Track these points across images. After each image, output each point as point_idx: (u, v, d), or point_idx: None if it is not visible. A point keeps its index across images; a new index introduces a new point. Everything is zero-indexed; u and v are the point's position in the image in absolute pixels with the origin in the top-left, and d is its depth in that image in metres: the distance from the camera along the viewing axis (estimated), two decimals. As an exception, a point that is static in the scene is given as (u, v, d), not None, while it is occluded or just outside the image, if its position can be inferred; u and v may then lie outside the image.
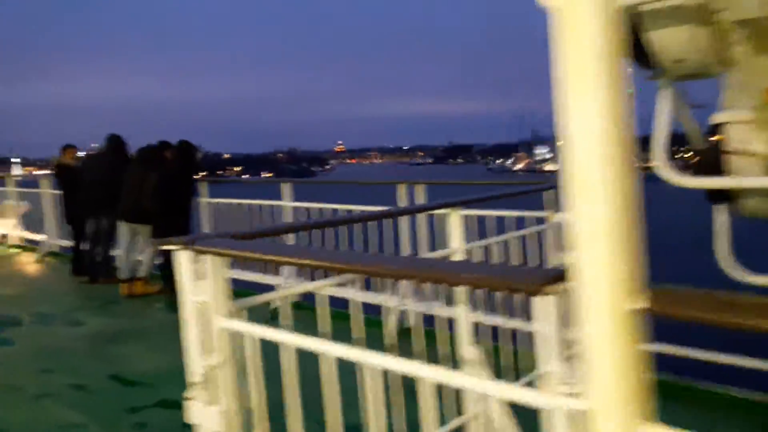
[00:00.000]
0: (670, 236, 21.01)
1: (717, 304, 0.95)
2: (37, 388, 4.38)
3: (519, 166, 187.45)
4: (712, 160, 2.38)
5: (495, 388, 1.58)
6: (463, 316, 3.00)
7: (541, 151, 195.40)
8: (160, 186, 6.54)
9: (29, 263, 9.45)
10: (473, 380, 1.98)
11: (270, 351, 1.96)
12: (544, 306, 1.86)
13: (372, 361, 1.63)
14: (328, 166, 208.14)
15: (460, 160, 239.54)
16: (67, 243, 9.23)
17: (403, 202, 5.16)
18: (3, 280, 8.40)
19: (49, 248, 9.59)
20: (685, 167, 2.52)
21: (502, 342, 3.48)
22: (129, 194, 6.95)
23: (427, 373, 1.55)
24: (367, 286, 5.19)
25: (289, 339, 1.82)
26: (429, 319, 5.09)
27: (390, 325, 4.99)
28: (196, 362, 2.01)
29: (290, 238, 5.46)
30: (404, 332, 5.14)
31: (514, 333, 3.50)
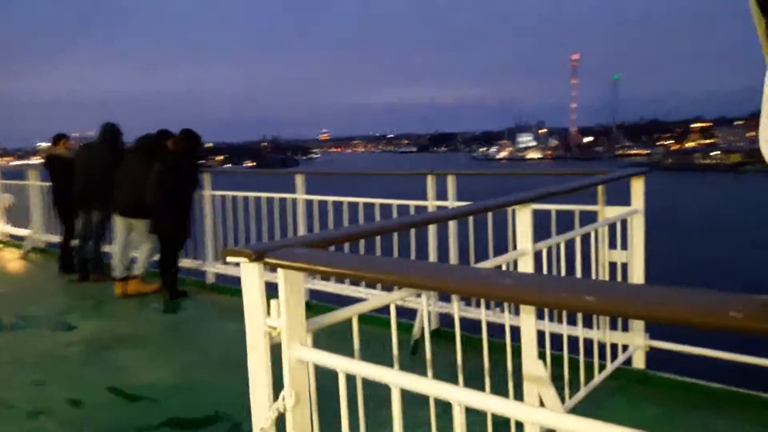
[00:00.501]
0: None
1: None
2: (31, 404, 3.95)
3: (502, 154, 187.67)
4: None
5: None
6: (529, 324, 2.63)
7: (525, 139, 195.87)
8: (164, 178, 6.09)
9: (13, 260, 8.93)
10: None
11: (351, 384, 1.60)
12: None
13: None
14: (312, 155, 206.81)
15: (443, 149, 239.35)
16: (55, 238, 8.75)
17: (431, 193, 4.78)
18: (-15, 279, 7.90)
19: (34, 244, 9.07)
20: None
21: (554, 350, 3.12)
22: (128, 187, 6.49)
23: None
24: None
25: (400, 379, 1.42)
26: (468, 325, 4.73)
27: (415, 329, 4.61)
28: (264, 402, 1.63)
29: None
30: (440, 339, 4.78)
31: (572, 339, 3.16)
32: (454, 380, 1.68)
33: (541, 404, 2.60)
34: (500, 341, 2.44)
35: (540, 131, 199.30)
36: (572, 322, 3.35)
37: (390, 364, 1.56)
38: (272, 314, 1.60)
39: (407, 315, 5.09)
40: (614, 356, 3.51)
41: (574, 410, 2.86)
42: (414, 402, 1.61)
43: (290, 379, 1.60)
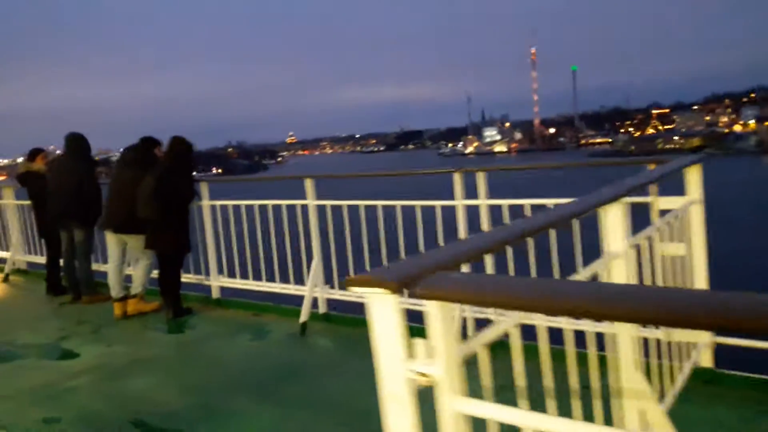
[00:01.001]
0: None
1: None
2: (47, 446, 3.59)
3: (469, 149, 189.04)
4: None
5: None
6: (628, 328, 2.39)
7: (490, 133, 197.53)
8: (158, 189, 5.71)
9: (-7, 284, 8.41)
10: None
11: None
12: None
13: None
14: (280, 159, 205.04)
15: (411, 146, 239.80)
16: (37, 259, 8.27)
17: (459, 192, 4.51)
18: (-34, 306, 7.40)
19: (14, 265, 8.57)
20: None
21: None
22: (118, 202, 6.10)
23: None
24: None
25: None
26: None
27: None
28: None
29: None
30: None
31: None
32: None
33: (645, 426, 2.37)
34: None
35: (504, 125, 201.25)
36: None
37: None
38: (414, 354, 1.31)
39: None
40: (680, 356, 3.31)
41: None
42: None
43: None
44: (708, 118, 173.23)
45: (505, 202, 4.33)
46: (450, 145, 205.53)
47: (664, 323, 2.01)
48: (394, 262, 1.46)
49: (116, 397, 4.22)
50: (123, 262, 6.38)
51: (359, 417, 3.53)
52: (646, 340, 3.10)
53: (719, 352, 3.55)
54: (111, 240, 6.28)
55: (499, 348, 1.60)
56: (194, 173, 6.16)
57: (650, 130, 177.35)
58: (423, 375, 1.31)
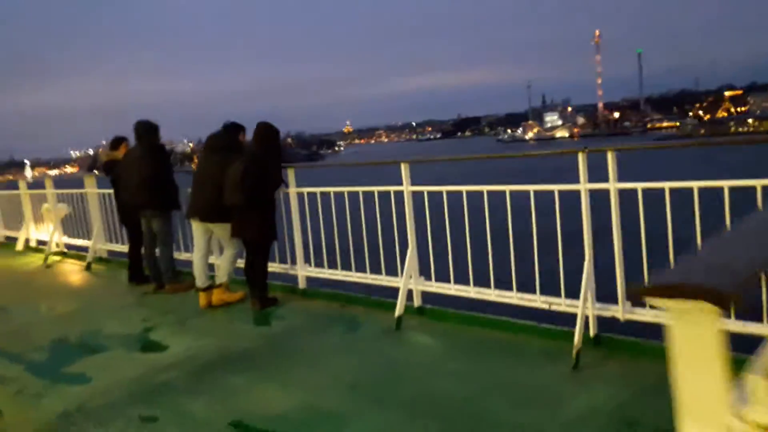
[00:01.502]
0: None
1: None
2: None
3: (529, 134, 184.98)
4: None
5: None
6: None
7: (551, 118, 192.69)
8: (246, 176, 5.47)
9: (76, 272, 8.45)
10: None
11: None
12: None
13: None
14: (337, 148, 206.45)
15: (468, 133, 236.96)
16: (118, 247, 8.24)
17: (583, 176, 4.01)
18: (51, 294, 7.41)
19: (96, 254, 8.58)
20: None
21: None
22: (203, 189, 5.90)
23: None
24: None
25: None
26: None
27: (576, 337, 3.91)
28: None
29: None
30: (601, 347, 4.08)
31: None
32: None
33: None
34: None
35: (567, 109, 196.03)
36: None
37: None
38: (750, 397, 0.90)
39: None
40: None
41: None
42: None
43: None
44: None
45: (641, 186, 3.81)
46: (509, 131, 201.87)
47: None
48: (689, 259, 1.02)
49: (213, 395, 3.97)
50: (208, 251, 6.20)
51: (478, 423, 3.18)
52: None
53: None
54: (197, 228, 6.09)
55: None
56: (283, 160, 5.88)
57: (722, 113, 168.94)
58: (761, 427, 0.89)
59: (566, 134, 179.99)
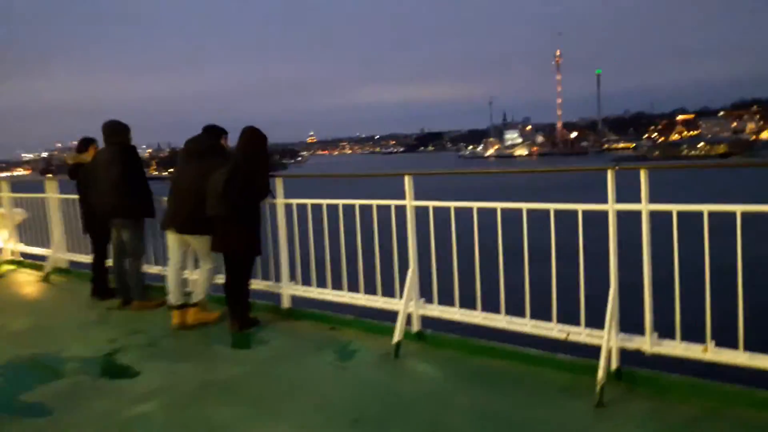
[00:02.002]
0: None
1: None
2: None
3: (490, 151, 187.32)
4: None
5: None
6: None
7: (511, 136, 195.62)
8: (232, 185, 5.02)
9: (32, 283, 7.78)
10: None
11: None
12: None
13: None
14: (299, 158, 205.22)
15: (431, 148, 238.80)
16: (80, 257, 7.64)
17: (612, 195, 3.69)
18: (4, 308, 6.76)
19: (55, 264, 7.93)
20: None
21: None
22: (181, 198, 5.43)
23: None
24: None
25: None
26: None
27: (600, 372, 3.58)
28: None
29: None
30: (622, 382, 3.75)
31: None
32: None
33: None
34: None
35: (526, 128, 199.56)
36: None
37: None
38: None
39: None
40: None
41: None
42: None
43: None
44: (735, 124, 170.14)
45: (676, 207, 3.52)
46: (470, 147, 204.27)
47: None
48: None
49: (198, 432, 3.50)
50: (184, 265, 5.71)
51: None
52: None
53: None
54: (172, 240, 5.59)
55: None
56: (269, 168, 5.44)
57: (675, 136, 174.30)
58: None
59: (525, 152, 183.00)
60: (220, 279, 5.62)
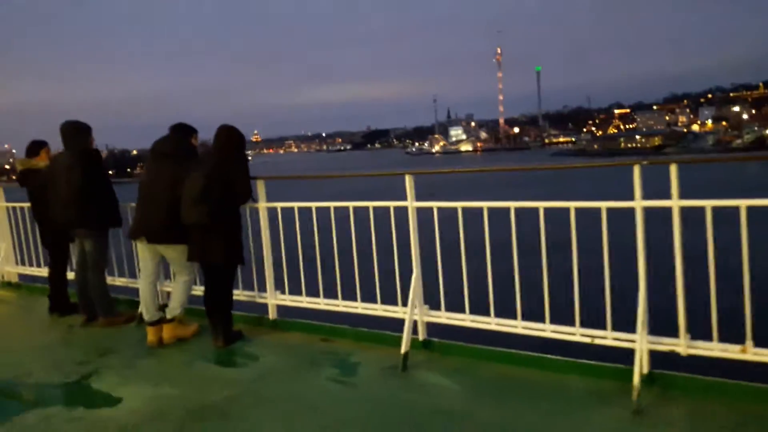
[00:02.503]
0: None
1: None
2: None
3: (436, 148, 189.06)
4: None
5: None
6: None
7: (456, 132, 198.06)
8: (209, 189, 4.60)
9: (-22, 301, 7.09)
10: None
11: None
12: None
13: None
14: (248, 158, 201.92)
15: (378, 146, 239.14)
16: (33, 270, 7.01)
17: (639, 191, 3.48)
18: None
19: (3, 278, 7.26)
20: None
21: None
22: (151, 204, 4.96)
23: None
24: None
25: None
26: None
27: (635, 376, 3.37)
28: None
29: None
30: (655, 386, 3.55)
31: None
32: None
33: None
34: None
35: (470, 124, 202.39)
36: None
37: None
38: None
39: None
40: None
41: None
42: None
43: None
44: (668, 117, 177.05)
45: (710, 203, 3.34)
46: (417, 143, 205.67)
47: None
48: None
49: (198, 469, 3.10)
50: (157, 277, 5.24)
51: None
52: None
53: None
54: (143, 251, 5.12)
55: None
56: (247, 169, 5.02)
57: (612, 130, 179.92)
58: None
59: (470, 148, 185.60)
60: (198, 291, 5.19)
